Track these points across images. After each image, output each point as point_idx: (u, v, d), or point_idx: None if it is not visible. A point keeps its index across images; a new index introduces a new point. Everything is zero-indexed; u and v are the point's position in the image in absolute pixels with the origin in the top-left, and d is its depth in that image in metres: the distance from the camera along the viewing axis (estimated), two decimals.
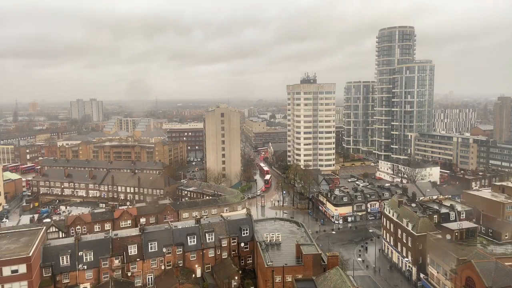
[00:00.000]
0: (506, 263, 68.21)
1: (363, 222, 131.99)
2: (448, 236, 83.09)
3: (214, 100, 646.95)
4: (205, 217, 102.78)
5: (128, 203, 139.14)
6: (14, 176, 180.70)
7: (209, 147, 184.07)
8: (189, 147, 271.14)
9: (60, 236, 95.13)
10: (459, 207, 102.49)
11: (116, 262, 74.88)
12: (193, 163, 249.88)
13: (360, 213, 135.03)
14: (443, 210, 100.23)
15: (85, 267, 73.16)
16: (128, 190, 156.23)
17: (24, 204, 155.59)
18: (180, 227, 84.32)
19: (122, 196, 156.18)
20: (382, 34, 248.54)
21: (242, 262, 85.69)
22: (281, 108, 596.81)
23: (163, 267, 78.46)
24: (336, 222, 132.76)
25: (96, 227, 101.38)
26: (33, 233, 75.44)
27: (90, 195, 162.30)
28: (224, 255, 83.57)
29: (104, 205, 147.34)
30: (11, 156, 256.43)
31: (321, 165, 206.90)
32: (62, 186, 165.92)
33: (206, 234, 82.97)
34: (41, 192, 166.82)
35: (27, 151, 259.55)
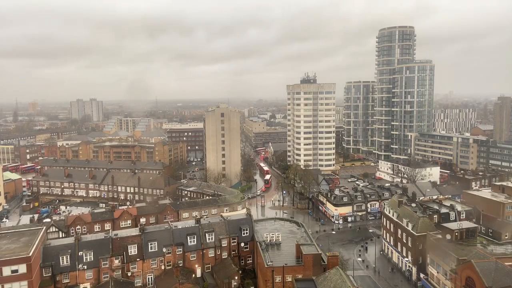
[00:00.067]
0: (506, 263, 68.21)
1: (363, 222, 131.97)
2: (448, 236, 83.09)
3: (214, 100, 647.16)
4: (205, 217, 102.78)
5: (128, 203, 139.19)
6: (14, 176, 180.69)
7: (209, 147, 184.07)
8: (189, 147, 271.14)
9: (60, 236, 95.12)
10: (459, 207, 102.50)
11: (116, 262, 74.89)
12: (193, 163, 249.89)
13: (360, 213, 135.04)
14: (443, 210, 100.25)
15: (85, 267, 73.16)
16: (128, 190, 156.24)
17: (24, 204, 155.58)
18: (180, 227, 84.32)
19: (122, 196, 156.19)
20: (382, 34, 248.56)
21: (242, 262, 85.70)
22: (281, 108, 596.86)
23: (163, 267, 78.46)
24: (336, 222, 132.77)
25: (96, 227, 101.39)
26: (33, 233, 75.44)
27: (90, 195, 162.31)
28: (224, 255, 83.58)
29: (104, 205, 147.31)
30: (11, 156, 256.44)
31: (321, 165, 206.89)
32: (62, 186, 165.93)
33: (206, 234, 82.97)
34: (41, 192, 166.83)
35: (27, 151, 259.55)
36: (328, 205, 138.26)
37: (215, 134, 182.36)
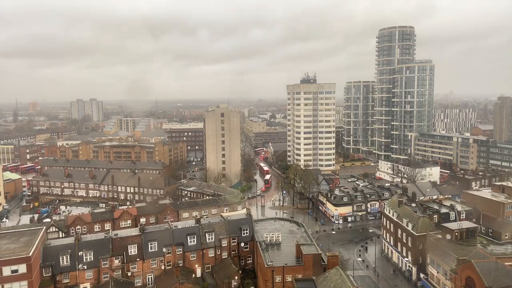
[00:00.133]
0: (506, 263, 68.21)
1: (363, 222, 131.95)
2: (448, 236, 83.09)
3: (214, 100, 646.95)
4: (205, 217, 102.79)
5: (128, 203, 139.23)
6: (14, 176, 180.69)
7: (209, 147, 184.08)
8: (189, 147, 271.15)
9: (60, 236, 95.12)
10: (459, 207, 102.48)
11: (116, 262, 74.89)
12: (193, 163, 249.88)
13: (360, 213, 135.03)
14: (443, 210, 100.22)
15: (85, 267, 73.16)
16: (128, 190, 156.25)
17: (24, 204, 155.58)
18: (180, 227, 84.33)
19: (122, 196, 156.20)
20: (382, 34, 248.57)
21: (242, 262, 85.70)
22: (281, 108, 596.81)
23: (163, 267, 78.47)
24: (336, 222, 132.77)
25: (96, 227, 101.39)
26: (33, 233, 75.45)
27: (90, 195, 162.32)
28: (224, 255, 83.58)
29: (104, 205, 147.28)
30: (11, 156, 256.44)
31: (321, 165, 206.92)
32: (62, 186, 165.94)
33: (206, 234, 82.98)
34: (41, 192, 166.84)
35: (27, 151, 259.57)
36: (328, 205, 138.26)
37: (215, 134, 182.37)
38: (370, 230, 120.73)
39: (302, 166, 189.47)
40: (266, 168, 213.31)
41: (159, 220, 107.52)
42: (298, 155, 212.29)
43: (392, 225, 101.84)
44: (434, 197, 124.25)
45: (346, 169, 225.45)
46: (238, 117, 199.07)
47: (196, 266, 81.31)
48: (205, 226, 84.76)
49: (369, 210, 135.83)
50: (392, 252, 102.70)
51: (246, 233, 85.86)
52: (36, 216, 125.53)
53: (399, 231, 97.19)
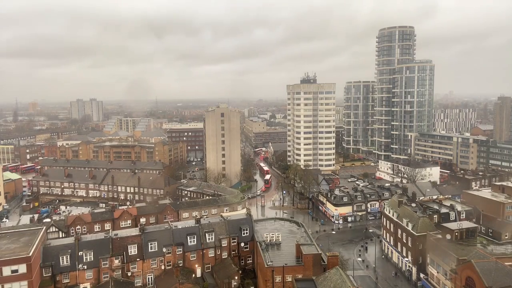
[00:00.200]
0: (506, 263, 68.22)
1: (363, 222, 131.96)
2: (448, 236, 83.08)
3: (214, 100, 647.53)
4: (205, 217, 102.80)
5: (128, 203, 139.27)
6: (14, 176, 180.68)
7: (209, 147, 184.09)
8: (189, 147, 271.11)
9: (60, 236, 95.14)
10: (459, 207, 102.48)
11: (116, 262, 74.91)
12: (193, 163, 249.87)
13: (360, 213, 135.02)
14: (443, 210, 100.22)
15: (85, 267, 73.18)
16: (128, 190, 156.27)
17: (24, 204, 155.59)
18: (180, 227, 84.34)
19: (122, 196, 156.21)
20: (382, 34, 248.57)
21: (242, 262, 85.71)
22: (281, 108, 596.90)
23: (163, 267, 78.48)
24: (336, 222, 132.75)
25: (96, 227, 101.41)
26: (33, 233, 75.47)
27: (90, 195, 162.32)
28: (224, 255, 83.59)
29: (104, 205, 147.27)
30: (11, 156, 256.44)
31: (321, 165, 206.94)
32: (62, 186, 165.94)
33: (206, 234, 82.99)
34: (41, 192, 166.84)
35: (27, 151, 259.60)
36: (328, 205, 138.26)
37: (215, 134, 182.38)
38: (370, 230, 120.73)
39: (302, 166, 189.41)
40: (266, 168, 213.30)
41: (159, 220, 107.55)
42: (298, 155, 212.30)
43: (392, 225, 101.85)
44: (434, 197, 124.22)
45: (346, 169, 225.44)
46: (238, 117, 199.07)
47: (196, 266, 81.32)
48: (205, 226, 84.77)
49: (369, 210, 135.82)
50: (392, 252, 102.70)
51: (246, 233, 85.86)
52: (36, 216, 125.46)
53: (399, 231, 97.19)
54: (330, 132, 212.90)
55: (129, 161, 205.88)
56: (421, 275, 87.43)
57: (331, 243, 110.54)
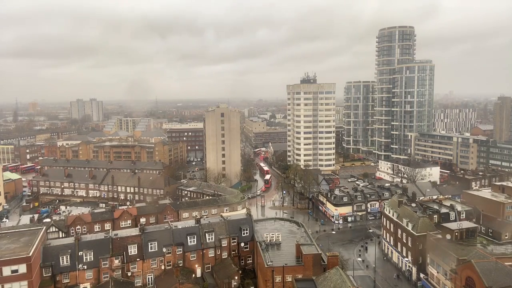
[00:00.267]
0: (506, 263, 68.25)
1: (363, 222, 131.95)
2: (448, 236, 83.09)
3: (214, 100, 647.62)
4: (205, 217, 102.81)
5: (128, 203, 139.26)
6: (14, 176, 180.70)
7: (209, 147, 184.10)
8: (189, 147, 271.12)
9: (60, 236, 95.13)
10: (459, 207, 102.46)
11: (116, 262, 74.92)
12: (193, 163, 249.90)
13: (360, 213, 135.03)
14: (443, 210, 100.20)
15: (85, 267, 73.19)
16: (128, 190, 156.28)
17: (24, 204, 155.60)
18: (180, 227, 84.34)
19: (122, 196, 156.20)
20: (382, 34, 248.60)
21: (242, 262, 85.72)
22: (281, 108, 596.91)
23: (163, 267, 78.49)
24: (336, 222, 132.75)
25: (96, 227, 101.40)
26: (33, 233, 75.48)
27: (90, 195, 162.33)
28: (224, 255, 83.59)
29: (104, 205, 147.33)
30: (11, 156, 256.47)
31: (321, 165, 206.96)
32: (62, 186, 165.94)
33: (206, 234, 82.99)
34: (41, 192, 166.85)
35: (27, 151, 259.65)
36: (328, 205, 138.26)
37: (215, 134, 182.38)
38: (370, 230, 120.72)
39: (302, 166, 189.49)
40: (266, 168, 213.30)
41: (159, 220, 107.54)
42: (298, 155, 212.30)
43: (392, 225, 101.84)
44: (434, 197, 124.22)
45: (346, 169, 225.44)
46: (238, 117, 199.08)
47: (196, 266, 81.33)
48: (205, 226, 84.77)
49: (369, 210, 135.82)
50: (392, 252, 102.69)
51: (246, 233, 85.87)
52: (36, 216, 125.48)
53: (399, 231, 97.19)
54: (330, 132, 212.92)
55: (129, 161, 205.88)
56: (421, 275, 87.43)
57: (331, 243, 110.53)
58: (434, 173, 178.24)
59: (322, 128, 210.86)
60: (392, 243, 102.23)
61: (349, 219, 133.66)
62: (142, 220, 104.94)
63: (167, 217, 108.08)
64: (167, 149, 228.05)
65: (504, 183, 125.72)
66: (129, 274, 75.81)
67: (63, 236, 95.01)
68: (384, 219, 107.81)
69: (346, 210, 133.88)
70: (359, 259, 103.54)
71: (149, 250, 77.91)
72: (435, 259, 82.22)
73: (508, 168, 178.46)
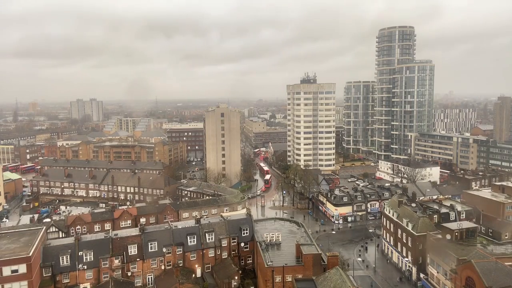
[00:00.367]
0: (506, 263, 68.23)
1: (363, 222, 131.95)
2: (448, 236, 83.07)
3: (214, 100, 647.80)
4: (205, 217, 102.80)
5: (128, 203, 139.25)
6: (14, 176, 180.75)
7: (209, 147, 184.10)
8: (189, 147, 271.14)
9: (60, 236, 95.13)
10: (459, 207, 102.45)
11: (116, 262, 74.90)
12: (193, 163, 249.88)
13: (360, 213, 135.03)
14: (443, 210, 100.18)
15: (85, 267, 73.17)
16: (128, 190, 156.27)
17: (24, 204, 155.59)
18: (180, 227, 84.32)
19: (122, 196, 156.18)
20: (382, 34, 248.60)
21: (242, 262, 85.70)
22: (281, 108, 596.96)
23: (163, 267, 78.47)
24: (336, 222, 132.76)
25: (96, 227, 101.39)
26: (33, 233, 75.45)
27: (90, 195, 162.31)
28: (224, 255, 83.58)
29: (104, 205, 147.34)
30: (11, 156, 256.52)
31: (321, 165, 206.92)
32: (62, 186, 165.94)
33: (206, 234, 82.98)
34: (41, 192, 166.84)
35: (27, 151, 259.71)
36: (328, 205, 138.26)
37: (215, 134, 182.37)
38: (370, 230, 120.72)
39: (302, 166, 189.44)
40: (266, 168, 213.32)
41: (159, 220, 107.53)
42: (298, 155, 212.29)
43: (392, 225, 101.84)
44: (434, 197, 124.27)
45: (346, 169, 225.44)
46: (238, 117, 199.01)
47: (196, 266, 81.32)
48: (205, 226, 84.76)
49: (369, 210, 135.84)
50: (392, 252, 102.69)
51: (246, 233, 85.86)
52: (36, 216, 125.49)
53: (399, 231, 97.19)
54: (330, 132, 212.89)
55: (129, 161, 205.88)
56: (421, 275, 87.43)
57: (331, 243, 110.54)
58: (434, 173, 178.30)
59: (322, 128, 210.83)
60: (392, 243, 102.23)
61: (349, 219, 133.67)
62: (142, 220, 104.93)
63: (167, 217, 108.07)
64: (167, 149, 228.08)
65: (504, 183, 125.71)
66: (129, 274, 75.79)
67: (63, 236, 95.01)
68: (384, 219, 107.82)
69: (346, 210, 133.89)
70: (359, 259, 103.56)
71: (149, 250, 77.89)
72: (435, 259, 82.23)
73: (508, 168, 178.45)
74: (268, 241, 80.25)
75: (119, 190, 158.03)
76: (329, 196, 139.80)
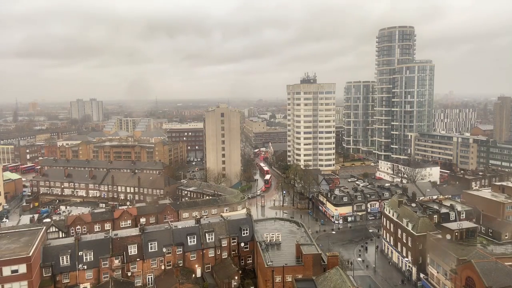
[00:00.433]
0: (506, 263, 68.24)
1: (363, 222, 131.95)
2: (448, 236, 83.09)
3: (214, 100, 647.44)
4: (205, 217, 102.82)
5: (128, 203, 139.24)
6: (14, 176, 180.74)
7: (209, 147, 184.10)
8: (189, 147, 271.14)
9: (60, 236, 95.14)
10: (459, 207, 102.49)
11: (116, 262, 74.89)
12: (193, 163, 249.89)
13: (360, 213, 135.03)
14: (443, 210, 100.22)
15: (85, 267, 73.16)
16: (128, 190, 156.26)
17: (24, 204, 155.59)
18: (180, 227, 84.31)
19: (122, 196, 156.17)
20: (382, 34, 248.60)
21: (242, 262, 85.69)
22: (281, 108, 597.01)
23: (163, 267, 78.47)
24: (336, 222, 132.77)
25: (96, 227, 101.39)
26: (33, 233, 75.45)
27: (90, 195, 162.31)
28: (224, 255, 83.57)
29: (104, 205, 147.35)
30: (11, 156, 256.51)
31: (321, 165, 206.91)
32: (62, 186, 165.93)
33: (206, 234, 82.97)
34: (41, 192, 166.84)
35: (27, 151, 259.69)
36: (328, 205, 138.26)
37: (215, 134, 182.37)
38: (370, 230, 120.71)
39: (302, 166, 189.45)
40: (266, 168, 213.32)
41: (159, 220, 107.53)
42: (298, 155, 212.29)
43: (392, 225, 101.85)
44: (434, 197, 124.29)
45: (346, 169, 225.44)
46: (238, 117, 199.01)
47: (196, 266, 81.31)
48: (205, 226, 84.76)
49: (369, 210, 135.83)
50: (392, 252, 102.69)
51: (246, 233, 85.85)
52: (36, 216, 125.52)
53: (399, 231, 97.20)
54: (330, 132, 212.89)
55: (129, 161, 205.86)
56: (421, 275, 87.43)
57: (331, 243, 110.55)
58: (434, 173, 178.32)
59: (322, 128, 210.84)
60: (392, 243, 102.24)
61: (349, 219, 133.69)
62: (142, 220, 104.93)
63: (167, 217, 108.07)
64: (167, 149, 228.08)
65: (504, 183, 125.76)
66: (129, 274, 75.79)
67: (63, 236, 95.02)
68: (384, 219, 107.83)
69: (346, 210, 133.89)
70: (359, 259, 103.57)
71: (149, 250, 77.89)
72: (435, 259, 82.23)
73: (508, 168, 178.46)
74: (268, 241, 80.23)
75: (119, 190, 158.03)
76: (329, 196, 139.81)
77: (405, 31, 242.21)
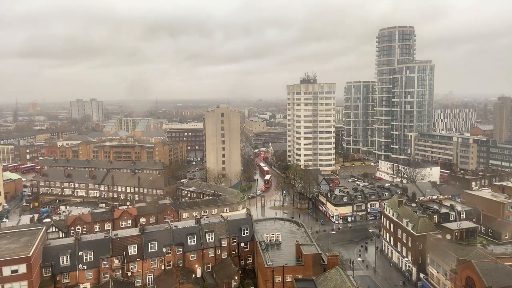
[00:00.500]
0: (506, 263, 68.25)
1: (363, 222, 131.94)
2: (448, 236, 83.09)
3: (214, 100, 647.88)
4: (205, 217, 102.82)
5: (128, 203, 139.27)
6: (14, 176, 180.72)
7: (209, 147, 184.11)
8: (189, 147, 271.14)
9: (60, 236, 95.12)
10: (459, 207, 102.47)
11: (116, 262, 74.91)
12: (193, 163, 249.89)
13: (360, 213, 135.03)
14: (443, 210, 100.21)
15: (85, 267, 73.17)
16: (128, 190, 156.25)
17: (24, 204, 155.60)
18: (180, 227, 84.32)
19: (122, 196, 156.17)
20: (382, 34, 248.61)
21: (242, 262, 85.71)
22: (281, 108, 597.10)
23: (163, 267, 78.48)
24: (336, 222, 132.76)
25: (96, 227, 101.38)
26: (33, 233, 75.45)
27: (90, 195, 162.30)
28: (224, 255, 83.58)
29: (104, 205, 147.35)
30: (11, 156, 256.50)
31: (321, 165, 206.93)
32: (62, 186, 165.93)
33: (206, 234, 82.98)
34: (41, 192, 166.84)
35: (27, 151, 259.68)
36: (328, 205, 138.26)
37: (215, 134, 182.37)
38: (370, 230, 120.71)
39: (302, 166, 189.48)
40: (266, 168, 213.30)
41: (159, 220, 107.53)
42: (298, 155, 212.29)
43: (392, 225, 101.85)
44: (434, 197, 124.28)
45: (346, 169, 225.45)
46: (238, 117, 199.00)
47: (196, 266, 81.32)
48: (205, 226, 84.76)
49: (369, 210, 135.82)
50: (392, 252, 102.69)
51: (246, 233, 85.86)
52: (36, 216, 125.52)
53: (399, 231, 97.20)
54: (330, 132, 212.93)
55: (129, 161, 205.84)
56: (421, 275, 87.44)
57: (331, 243, 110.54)
58: (434, 173, 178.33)
59: (322, 128, 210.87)
60: (392, 243, 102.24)
61: (349, 219, 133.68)
62: (142, 220, 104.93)
63: (167, 217, 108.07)
64: (167, 149, 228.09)
65: (504, 183, 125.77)
66: (129, 274, 75.80)
67: (63, 236, 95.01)
68: (384, 219, 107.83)
69: (346, 210, 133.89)
70: (359, 259, 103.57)
71: (149, 250, 77.90)
72: (435, 259, 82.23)
73: (508, 168, 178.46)
74: (268, 241, 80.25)
75: (119, 190, 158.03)
76: (329, 196, 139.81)
77: (405, 31, 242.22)
